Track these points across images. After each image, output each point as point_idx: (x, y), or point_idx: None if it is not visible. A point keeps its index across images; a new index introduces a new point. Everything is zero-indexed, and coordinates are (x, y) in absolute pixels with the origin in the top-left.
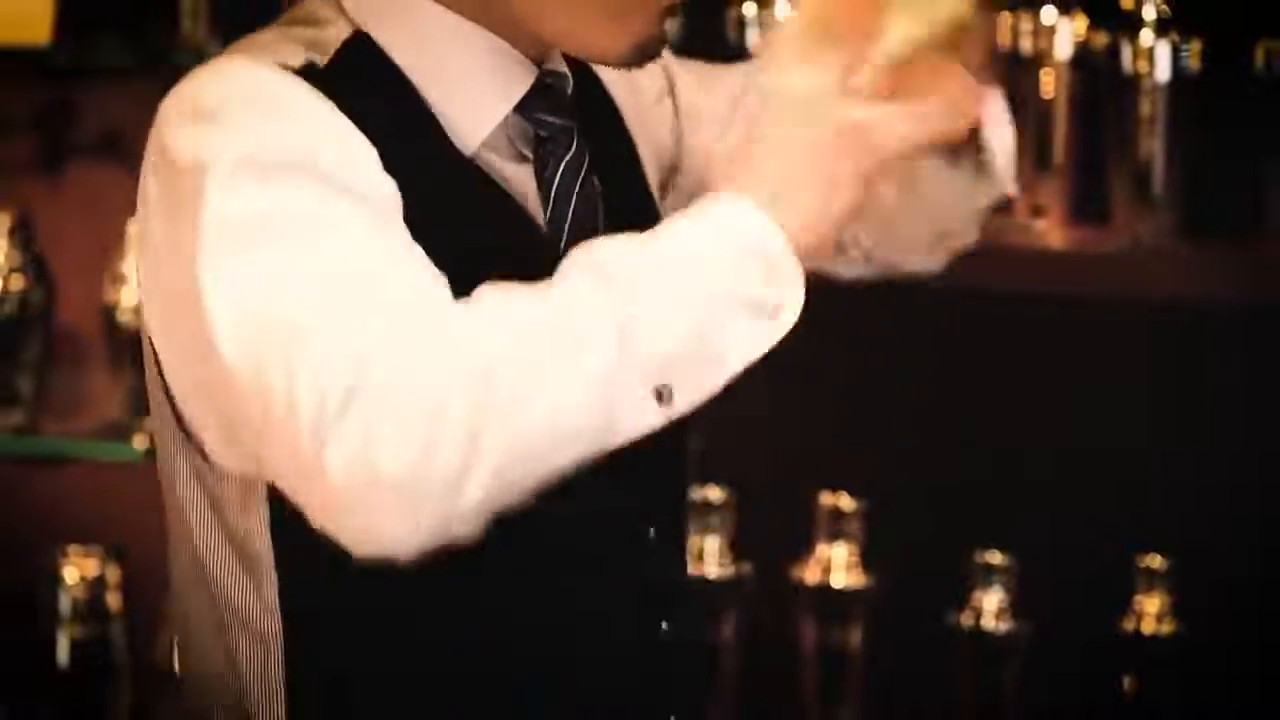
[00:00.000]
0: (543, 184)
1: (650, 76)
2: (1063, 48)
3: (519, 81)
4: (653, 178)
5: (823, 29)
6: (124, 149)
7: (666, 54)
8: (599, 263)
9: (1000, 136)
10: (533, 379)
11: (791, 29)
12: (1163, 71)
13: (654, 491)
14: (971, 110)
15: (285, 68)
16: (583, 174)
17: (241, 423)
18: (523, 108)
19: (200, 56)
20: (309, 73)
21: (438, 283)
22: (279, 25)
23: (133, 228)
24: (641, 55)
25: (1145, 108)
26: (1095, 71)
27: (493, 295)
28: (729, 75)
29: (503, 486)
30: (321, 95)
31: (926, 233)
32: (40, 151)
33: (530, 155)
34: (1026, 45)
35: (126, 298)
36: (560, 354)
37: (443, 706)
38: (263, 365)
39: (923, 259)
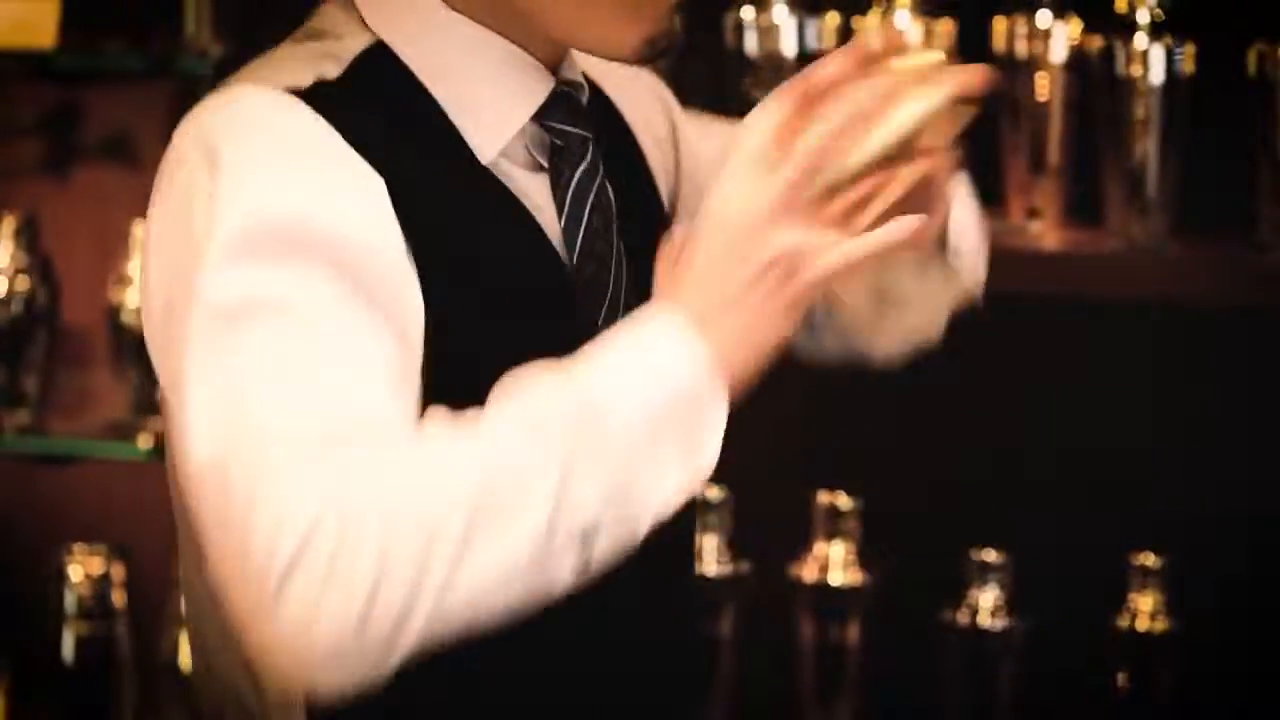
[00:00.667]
0: (557, 193)
1: (655, 111)
2: (1057, 51)
3: (537, 90)
4: (664, 191)
5: (781, 143)
6: (129, 151)
7: (669, 96)
8: (534, 415)
9: (966, 234)
10: (472, 541)
11: (754, 140)
12: (1157, 74)
13: None
14: (930, 218)
15: (295, 91)
16: (597, 183)
17: (200, 522)
18: (540, 117)
19: (205, 60)
20: (319, 91)
21: (402, 410)
22: (295, 39)
23: (138, 229)
24: (653, 50)
25: (1139, 110)
26: (1090, 74)
27: (438, 439)
28: (720, 131)
29: (432, 640)
30: (330, 129)
31: (893, 336)
32: (46, 154)
33: (546, 165)
34: (1022, 48)
35: (131, 298)
36: (498, 517)
37: (453, 709)
38: (223, 494)
39: (886, 354)
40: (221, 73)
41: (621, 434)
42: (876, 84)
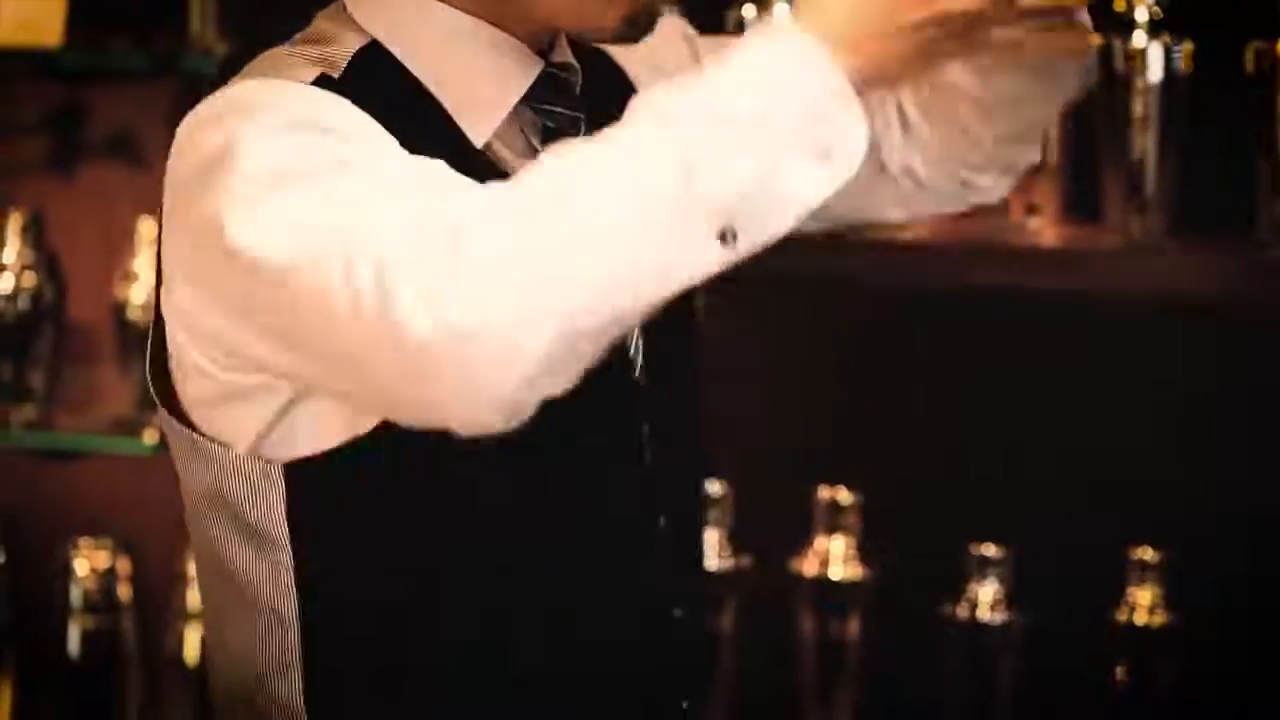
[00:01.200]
0: None
1: (676, 57)
2: None
3: (525, 74)
4: None
5: None
6: (133, 149)
7: (690, 30)
8: (661, 106)
9: None
10: (594, 216)
11: None
12: (1155, 72)
13: (668, 484)
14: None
15: (298, 81)
16: None
17: (298, 338)
18: (532, 99)
19: (209, 59)
20: (323, 84)
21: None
22: (291, 45)
23: (143, 227)
24: (633, 28)
25: (1137, 108)
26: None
27: (554, 149)
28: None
29: (568, 336)
30: (338, 96)
31: (992, 136)
32: (51, 151)
33: (540, 147)
34: None
35: (136, 295)
36: (621, 190)
37: (455, 685)
38: (317, 264)
39: (980, 181)
40: (226, 71)
41: (758, 121)
42: None
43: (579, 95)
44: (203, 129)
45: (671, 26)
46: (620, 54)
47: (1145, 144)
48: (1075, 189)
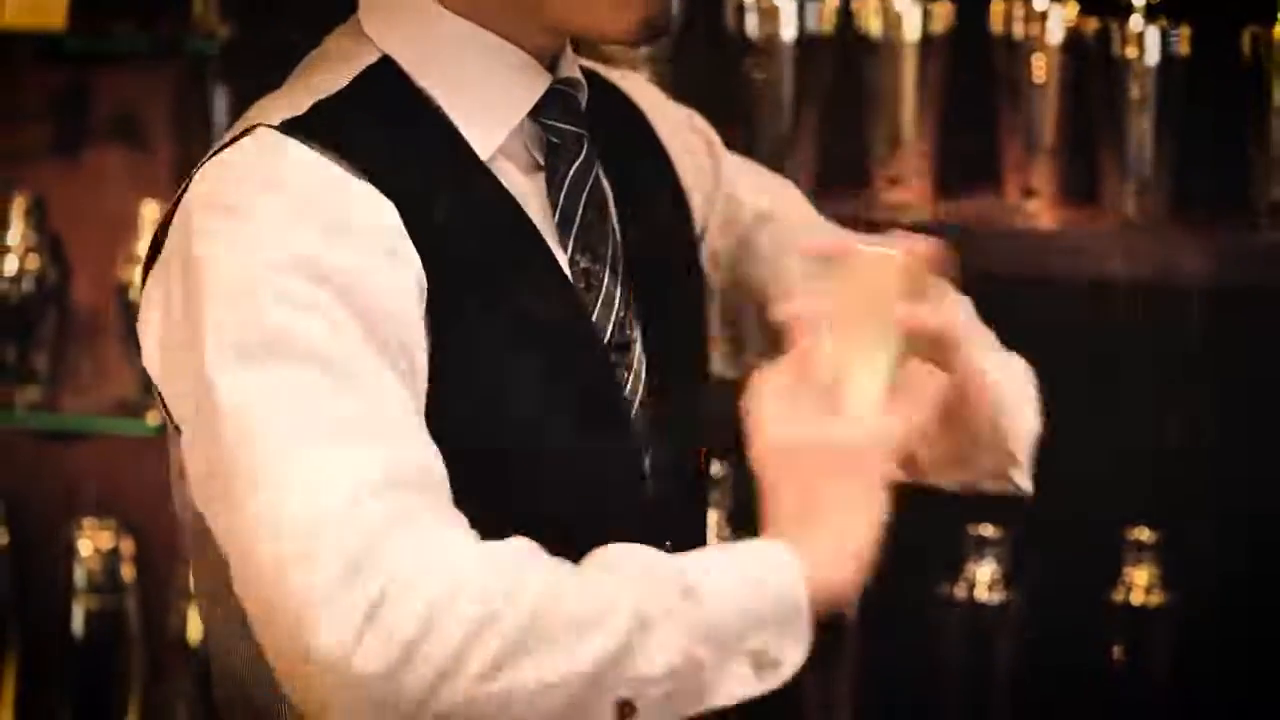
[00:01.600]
0: (552, 190)
1: (689, 132)
2: (1054, 32)
3: (533, 89)
4: (695, 199)
5: (795, 382)
6: (137, 132)
7: (712, 133)
8: (634, 572)
9: (1006, 405)
10: (525, 650)
11: (768, 389)
12: (1152, 56)
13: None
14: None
15: (296, 120)
16: (591, 179)
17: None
18: (538, 114)
19: (212, 41)
20: (318, 116)
21: (437, 461)
22: (305, 65)
23: (147, 209)
24: (649, 32)
25: (1135, 91)
26: (1086, 56)
27: (525, 549)
28: (758, 189)
29: (461, 717)
30: (329, 163)
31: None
32: (55, 135)
33: (543, 163)
34: (1019, 30)
35: (139, 277)
36: (559, 642)
37: None
38: (276, 521)
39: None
40: (228, 53)
41: (711, 618)
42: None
43: (583, 112)
44: (201, 227)
45: (689, 116)
46: (633, 89)
47: (1142, 127)
48: (1072, 171)
